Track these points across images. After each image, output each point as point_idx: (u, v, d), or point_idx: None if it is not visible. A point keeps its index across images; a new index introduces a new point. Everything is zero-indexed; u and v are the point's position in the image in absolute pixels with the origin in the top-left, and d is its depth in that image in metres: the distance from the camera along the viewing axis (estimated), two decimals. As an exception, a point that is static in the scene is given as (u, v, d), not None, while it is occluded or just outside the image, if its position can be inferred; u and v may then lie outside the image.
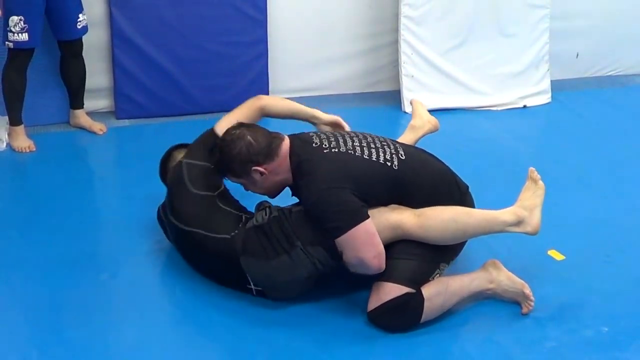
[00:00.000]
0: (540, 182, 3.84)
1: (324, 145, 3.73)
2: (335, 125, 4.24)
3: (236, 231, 3.79)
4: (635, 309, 3.89)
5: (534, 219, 3.76)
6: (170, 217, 3.96)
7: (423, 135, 4.49)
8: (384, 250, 3.61)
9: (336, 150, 3.71)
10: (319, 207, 3.60)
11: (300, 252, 3.67)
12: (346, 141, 3.78)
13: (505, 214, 3.75)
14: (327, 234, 3.60)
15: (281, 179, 3.81)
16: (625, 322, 3.79)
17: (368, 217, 3.58)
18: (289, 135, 3.85)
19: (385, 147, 3.82)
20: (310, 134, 3.87)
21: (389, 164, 3.74)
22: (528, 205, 3.78)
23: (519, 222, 3.75)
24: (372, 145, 3.80)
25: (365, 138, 3.85)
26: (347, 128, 4.21)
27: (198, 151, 4.06)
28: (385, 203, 3.74)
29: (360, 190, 3.61)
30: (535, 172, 3.87)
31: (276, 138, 3.77)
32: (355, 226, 3.53)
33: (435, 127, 4.56)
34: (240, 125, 3.83)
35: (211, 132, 4.08)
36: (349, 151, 3.72)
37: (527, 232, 3.78)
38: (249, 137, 3.72)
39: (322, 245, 3.65)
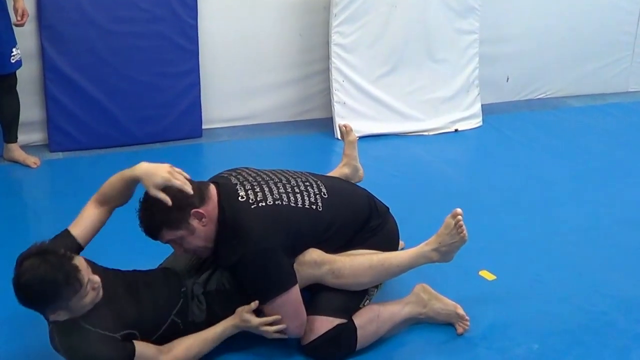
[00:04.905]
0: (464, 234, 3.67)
1: (250, 200, 3.52)
2: None
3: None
4: (563, 326, 3.96)
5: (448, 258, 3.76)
6: None
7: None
8: (306, 319, 3.58)
9: (264, 204, 3.52)
10: (248, 272, 3.47)
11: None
12: (272, 189, 3.60)
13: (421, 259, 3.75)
14: (254, 298, 3.49)
15: (216, 228, 3.53)
16: (555, 338, 3.86)
17: (296, 282, 3.52)
18: (211, 181, 3.66)
19: (308, 187, 3.73)
20: (233, 182, 3.63)
21: (314, 207, 3.66)
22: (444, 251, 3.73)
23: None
24: (297, 190, 3.67)
25: (289, 181, 3.71)
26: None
27: None
28: (308, 246, 3.64)
29: (290, 242, 3.53)
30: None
31: (202, 183, 3.56)
32: (285, 293, 3.47)
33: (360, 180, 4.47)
34: None
35: None
36: (276, 202, 3.56)
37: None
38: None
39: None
